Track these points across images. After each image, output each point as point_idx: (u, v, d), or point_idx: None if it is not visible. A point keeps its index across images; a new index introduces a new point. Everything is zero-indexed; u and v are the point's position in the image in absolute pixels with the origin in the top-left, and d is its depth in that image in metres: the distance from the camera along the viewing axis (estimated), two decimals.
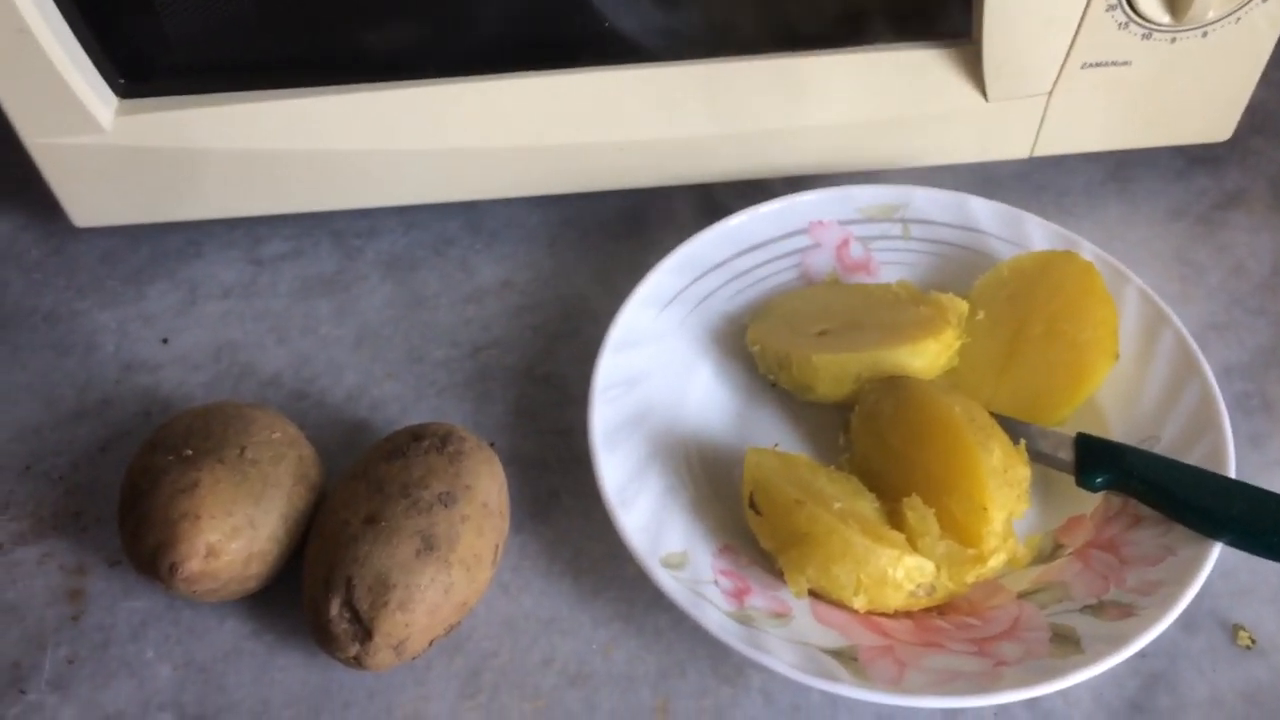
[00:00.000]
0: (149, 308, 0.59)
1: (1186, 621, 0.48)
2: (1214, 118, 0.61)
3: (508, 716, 0.46)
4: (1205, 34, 0.55)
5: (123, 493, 0.46)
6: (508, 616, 0.49)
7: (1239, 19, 0.54)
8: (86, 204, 0.57)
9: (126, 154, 0.54)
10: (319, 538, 0.46)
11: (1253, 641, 0.48)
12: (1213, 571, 0.45)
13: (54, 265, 0.61)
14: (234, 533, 0.45)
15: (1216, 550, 0.45)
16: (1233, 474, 0.47)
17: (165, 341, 0.58)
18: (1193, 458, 0.48)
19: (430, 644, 0.45)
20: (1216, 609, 0.48)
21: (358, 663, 0.44)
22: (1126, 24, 0.54)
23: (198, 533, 0.44)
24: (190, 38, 0.53)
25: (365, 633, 0.43)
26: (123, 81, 0.54)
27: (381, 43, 0.54)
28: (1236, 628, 0.48)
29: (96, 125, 0.53)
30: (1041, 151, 0.61)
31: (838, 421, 0.53)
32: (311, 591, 0.45)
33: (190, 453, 0.46)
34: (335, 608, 0.44)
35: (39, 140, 0.53)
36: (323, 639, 0.44)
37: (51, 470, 0.53)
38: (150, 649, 0.48)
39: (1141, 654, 0.43)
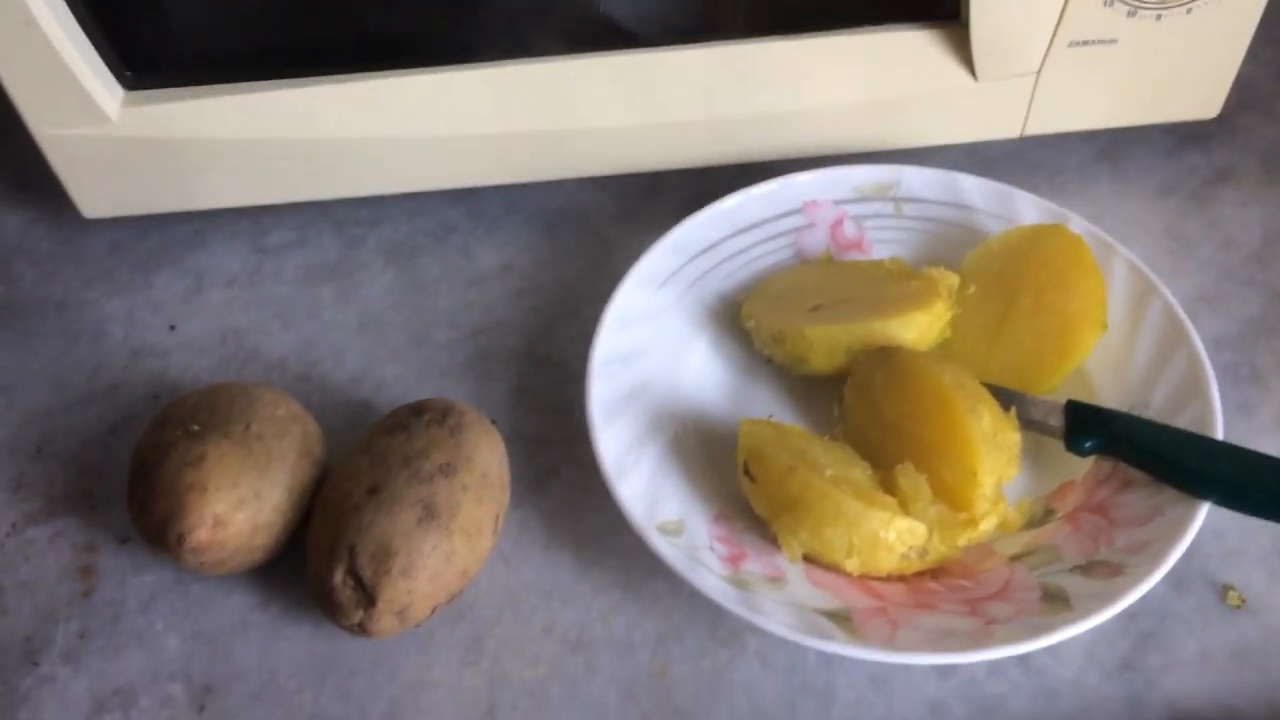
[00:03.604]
0: (156, 295, 0.60)
1: (1177, 582, 0.48)
2: (1202, 95, 0.61)
3: (509, 682, 0.47)
4: (1190, 10, 0.56)
5: (132, 467, 0.48)
6: (509, 587, 0.50)
7: None
8: (94, 195, 0.58)
9: (133, 145, 0.56)
10: (323, 509, 0.47)
11: (1242, 601, 0.48)
12: (1203, 533, 0.46)
13: (64, 256, 0.62)
14: (240, 504, 0.46)
15: (1204, 509, 0.46)
16: (1220, 438, 0.48)
17: (172, 328, 0.59)
18: (1181, 423, 0.49)
19: (433, 611, 0.46)
20: (1207, 570, 0.49)
21: (362, 629, 0.45)
22: (1112, 2, 0.55)
23: (204, 504, 0.45)
24: (195, 30, 0.54)
25: (369, 599, 0.44)
26: (129, 74, 0.55)
27: (384, 30, 0.55)
28: (1226, 588, 0.49)
29: (103, 117, 0.54)
30: (1032, 131, 0.61)
31: (832, 396, 0.54)
32: (316, 561, 0.46)
33: (197, 428, 0.47)
34: (339, 575, 0.45)
35: (47, 132, 0.55)
36: (327, 607, 0.45)
37: (62, 452, 0.54)
38: (159, 622, 0.49)
39: (1132, 614, 0.44)
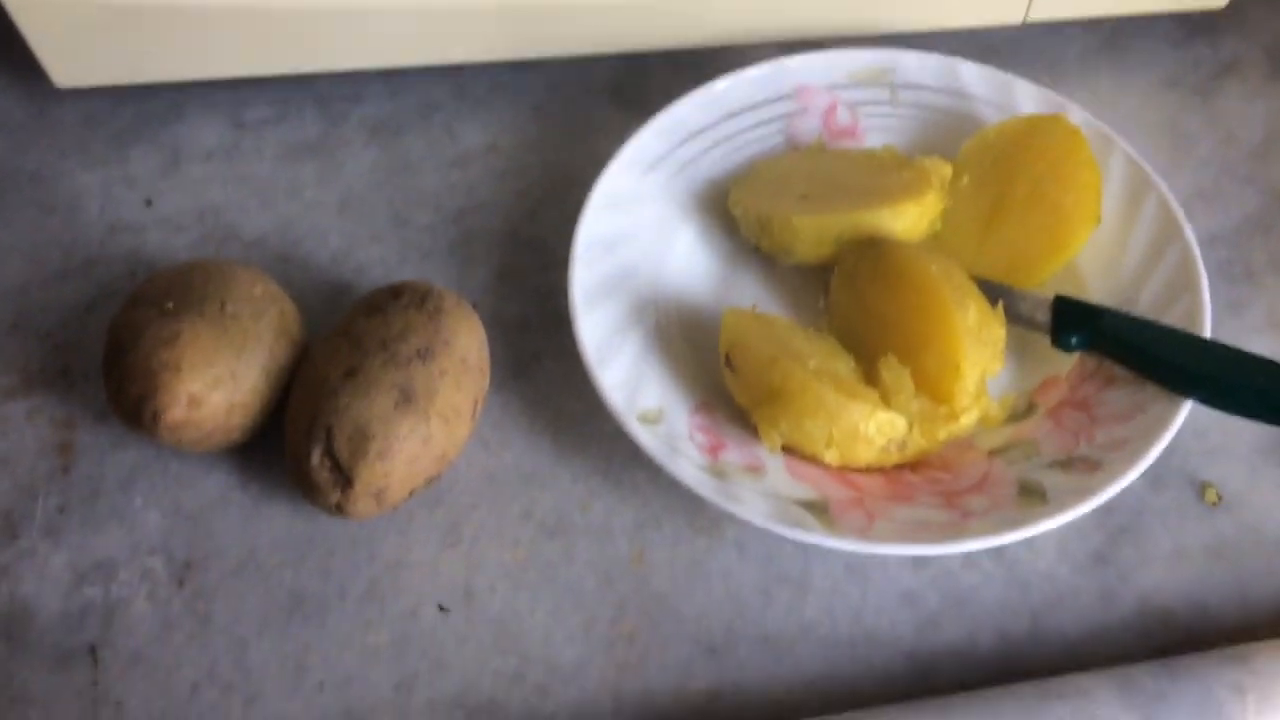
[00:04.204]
0: (132, 170, 0.59)
1: (1154, 478, 0.48)
2: None
3: (487, 565, 0.47)
4: None
5: (107, 347, 0.47)
6: (488, 471, 0.50)
7: None
8: (67, 63, 0.56)
9: (107, 10, 0.54)
10: (300, 391, 0.46)
11: (1219, 498, 0.48)
12: (1185, 430, 0.46)
13: (36, 127, 0.60)
14: (215, 383, 0.45)
15: (1186, 407, 0.46)
16: (1208, 335, 0.47)
17: (149, 203, 0.58)
18: (1169, 319, 0.48)
19: (410, 494, 0.46)
20: (1186, 466, 0.49)
21: (339, 510, 0.45)
22: None
23: (179, 382, 0.45)
24: None
25: (346, 481, 0.44)
26: None
27: None
28: (1205, 485, 0.49)
29: None
30: (1036, 17, 0.60)
31: (818, 286, 0.53)
32: (293, 442, 0.45)
33: (171, 306, 0.46)
34: (316, 457, 0.44)
35: None
36: (305, 488, 0.45)
37: (39, 327, 0.53)
38: (139, 498, 0.49)
39: (1108, 509, 0.44)
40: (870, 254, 0.50)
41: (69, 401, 0.51)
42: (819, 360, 0.47)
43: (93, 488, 0.49)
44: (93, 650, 0.45)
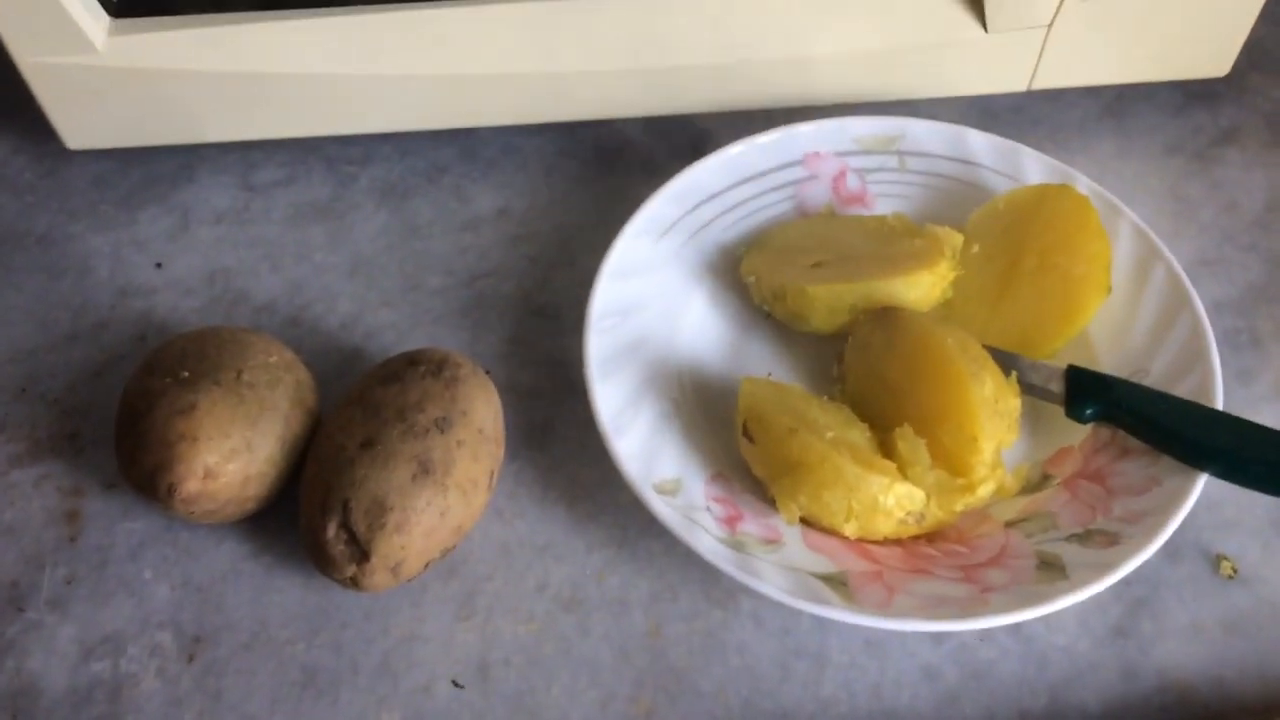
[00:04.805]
0: (141, 232, 0.59)
1: (1171, 551, 0.48)
2: (1212, 53, 0.60)
3: (502, 638, 0.47)
4: None
5: (119, 415, 0.47)
6: (502, 542, 0.49)
7: None
8: (79, 126, 0.57)
9: (119, 75, 0.54)
10: (316, 461, 0.46)
11: (1235, 571, 0.49)
12: (1198, 503, 0.46)
13: (47, 188, 0.60)
14: (231, 454, 0.45)
15: (1202, 480, 0.46)
16: (1220, 406, 0.48)
17: (159, 266, 0.58)
18: (1181, 391, 0.49)
19: (426, 566, 0.46)
20: (1201, 540, 0.49)
21: (355, 584, 0.45)
22: None
23: (195, 454, 0.44)
24: None
25: (362, 554, 0.44)
26: (115, 0, 0.53)
27: None
28: (1220, 558, 0.49)
29: (89, 45, 0.52)
30: (1040, 85, 0.60)
31: (831, 352, 0.53)
32: (309, 514, 0.45)
33: (187, 375, 0.46)
34: (332, 530, 0.44)
35: (32, 60, 0.53)
36: (320, 560, 0.45)
37: (47, 393, 0.53)
38: (148, 569, 0.48)
39: (1125, 582, 0.44)
40: (885, 324, 0.50)
41: (77, 469, 0.51)
42: (836, 431, 0.47)
43: (101, 558, 0.49)
44: None
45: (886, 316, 0.50)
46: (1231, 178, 0.62)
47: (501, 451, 0.48)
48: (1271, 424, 0.47)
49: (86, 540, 0.49)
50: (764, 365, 0.54)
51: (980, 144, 0.57)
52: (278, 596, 0.48)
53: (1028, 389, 0.50)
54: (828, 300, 0.51)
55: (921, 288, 0.51)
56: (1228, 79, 0.62)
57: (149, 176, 0.61)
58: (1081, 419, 0.49)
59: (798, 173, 0.58)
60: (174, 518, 0.49)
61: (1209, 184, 0.61)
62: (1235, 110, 0.64)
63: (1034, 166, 0.57)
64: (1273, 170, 0.62)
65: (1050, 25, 0.57)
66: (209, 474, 0.44)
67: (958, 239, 0.53)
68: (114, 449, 0.47)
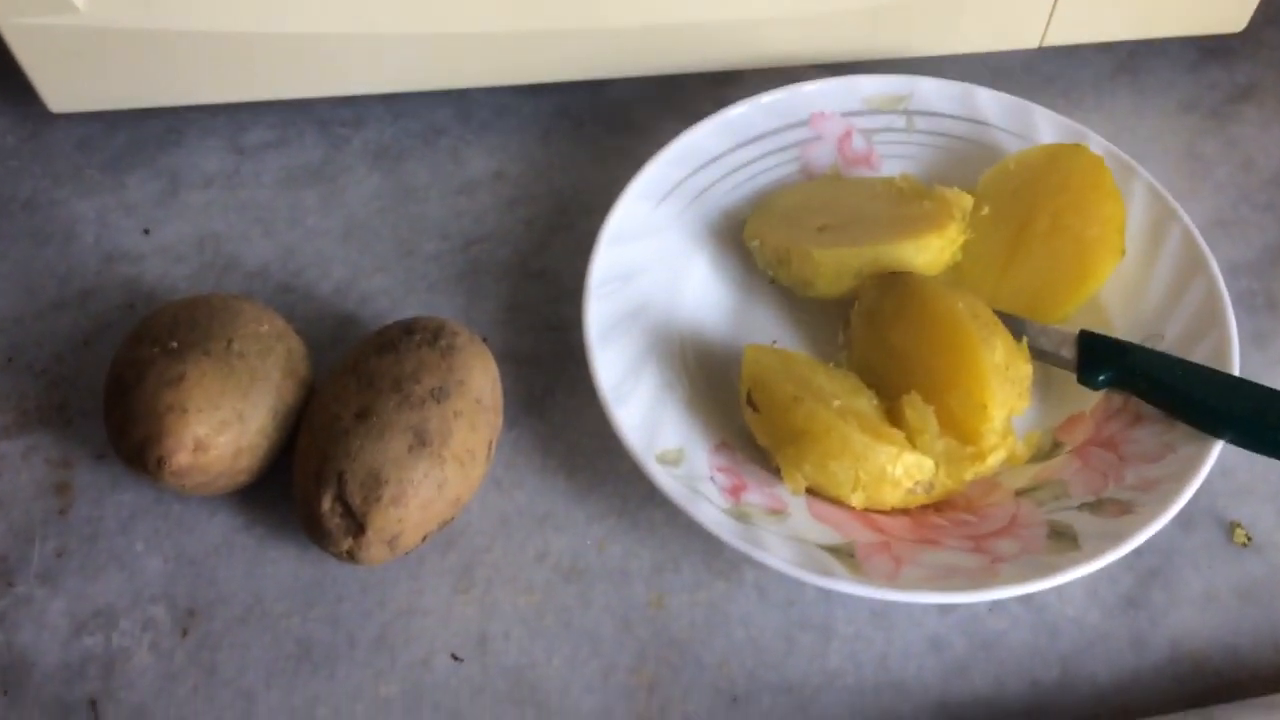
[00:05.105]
0: (129, 197, 0.57)
1: (1183, 519, 0.47)
2: (1228, 7, 0.59)
3: (501, 610, 0.46)
4: None
5: (108, 386, 0.45)
6: (501, 512, 0.48)
7: None
8: (62, 88, 0.55)
9: (101, 35, 0.52)
10: (309, 432, 0.45)
11: (1249, 539, 0.48)
12: (1212, 469, 0.45)
13: (30, 152, 0.59)
14: (222, 426, 0.44)
15: (1218, 447, 0.45)
16: (1237, 372, 0.47)
17: (147, 232, 0.56)
18: (1196, 356, 0.48)
19: (423, 539, 0.45)
20: (1214, 507, 0.48)
21: (351, 557, 0.44)
22: None
23: (185, 426, 0.43)
24: None
25: (358, 527, 0.43)
26: None
27: None
28: (1233, 525, 0.48)
29: (70, 4, 0.51)
30: (1051, 41, 0.59)
31: (836, 318, 0.52)
32: (303, 486, 0.44)
33: (176, 345, 0.45)
34: (327, 502, 0.43)
35: (11, 21, 0.51)
36: (315, 533, 0.44)
37: (34, 363, 0.52)
38: (140, 542, 0.47)
39: (1137, 551, 0.43)
40: (893, 289, 0.48)
41: (66, 440, 0.50)
42: (843, 399, 0.46)
43: (92, 530, 0.48)
44: (93, 704, 0.44)
45: (894, 281, 0.49)
46: (1248, 135, 0.60)
47: (500, 420, 0.47)
48: None
49: (76, 512, 0.48)
50: (768, 332, 0.52)
51: (990, 103, 0.56)
52: (272, 569, 0.47)
53: (1039, 355, 0.49)
54: (834, 265, 0.50)
55: (930, 251, 0.50)
56: (1243, 35, 0.60)
57: (135, 140, 0.59)
58: (1095, 385, 0.48)
59: (802, 133, 0.56)
60: (165, 490, 0.48)
61: (1225, 142, 0.60)
62: (1251, 66, 0.63)
63: (1046, 126, 0.55)
64: None
65: None
66: (199, 446, 0.43)
67: (967, 201, 0.52)
68: (103, 420, 0.45)
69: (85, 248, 0.56)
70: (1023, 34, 0.58)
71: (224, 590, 0.46)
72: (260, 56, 0.54)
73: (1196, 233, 0.51)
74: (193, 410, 0.43)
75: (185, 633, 0.45)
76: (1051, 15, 0.57)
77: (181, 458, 0.43)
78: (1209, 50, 0.63)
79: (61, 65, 0.54)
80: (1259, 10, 0.58)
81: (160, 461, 0.43)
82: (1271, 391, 0.45)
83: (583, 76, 0.58)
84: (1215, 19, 0.59)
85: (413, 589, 0.46)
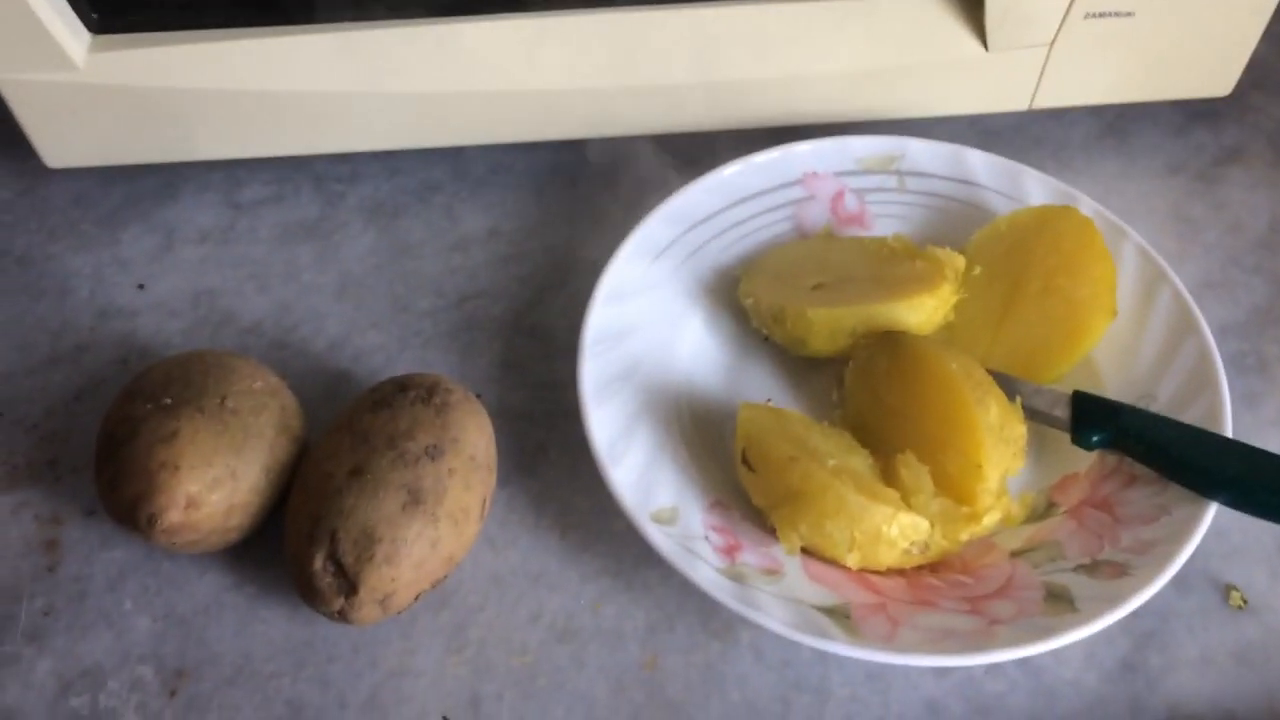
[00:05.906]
0: (124, 252, 0.57)
1: (1179, 581, 0.47)
2: (1215, 72, 0.59)
3: (494, 671, 0.45)
4: None
5: (99, 442, 0.45)
6: (494, 571, 0.48)
7: None
8: (59, 144, 0.55)
9: (99, 92, 0.53)
10: (302, 490, 0.45)
11: (1244, 602, 0.47)
12: (1206, 532, 0.44)
13: (25, 207, 0.59)
14: (215, 484, 0.44)
15: (1212, 510, 0.45)
16: (1229, 433, 0.47)
17: (141, 287, 0.56)
18: (1189, 417, 0.48)
19: (416, 598, 0.44)
20: (1209, 569, 0.48)
21: (342, 617, 0.43)
22: None
23: (177, 483, 0.43)
24: None
25: (350, 586, 0.42)
26: (96, 17, 0.52)
27: None
28: (1229, 588, 0.48)
29: (69, 62, 0.51)
30: (1041, 104, 0.59)
31: (831, 377, 0.52)
32: (295, 545, 0.44)
33: (169, 401, 0.45)
34: (319, 561, 0.43)
35: (10, 76, 0.51)
36: (307, 593, 0.43)
37: (25, 418, 0.52)
38: (129, 600, 0.47)
39: (1134, 613, 0.43)
40: (887, 349, 0.49)
41: (56, 496, 0.49)
42: (838, 458, 0.46)
43: (80, 589, 0.47)
44: None
45: (888, 340, 0.49)
46: (1235, 198, 0.61)
47: (494, 479, 0.47)
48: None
49: (65, 570, 0.48)
50: (762, 390, 0.53)
51: (981, 164, 0.56)
52: (262, 628, 0.46)
53: (1032, 415, 0.49)
54: (828, 323, 0.50)
55: (924, 311, 0.50)
56: (1230, 98, 0.61)
57: (131, 195, 0.59)
58: (1088, 446, 0.48)
59: (795, 193, 0.57)
60: (155, 547, 0.47)
61: (1213, 204, 0.61)
62: (1238, 130, 0.64)
63: (1036, 187, 0.56)
64: (1277, 190, 0.61)
65: (1051, 44, 0.56)
66: (191, 504, 0.43)
67: (959, 261, 0.52)
68: (93, 476, 0.45)
69: (79, 303, 0.55)
70: (1012, 97, 0.59)
71: (213, 650, 0.46)
72: (257, 114, 0.55)
73: (1187, 294, 0.51)
74: (185, 468, 0.43)
75: (174, 693, 0.45)
76: (1040, 79, 0.58)
77: (173, 515, 0.43)
78: (1196, 113, 0.64)
79: (59, 121, 0.54)
80: (1245, 74, 0.59)
81: (151, 519, 0.43)
82: (1264, 453, 0.45)
83: (577, 135, 0.58)
84: (1202, 83, 0.60)
85: (405, 649, 0.46)
